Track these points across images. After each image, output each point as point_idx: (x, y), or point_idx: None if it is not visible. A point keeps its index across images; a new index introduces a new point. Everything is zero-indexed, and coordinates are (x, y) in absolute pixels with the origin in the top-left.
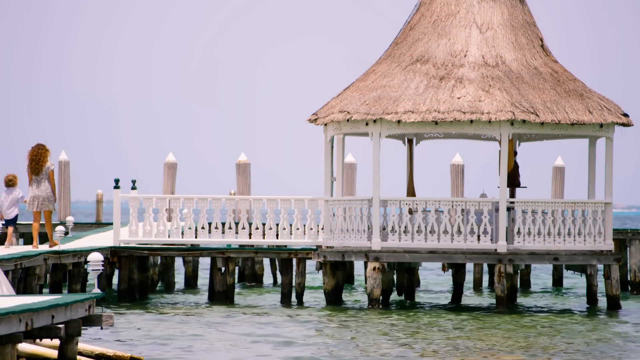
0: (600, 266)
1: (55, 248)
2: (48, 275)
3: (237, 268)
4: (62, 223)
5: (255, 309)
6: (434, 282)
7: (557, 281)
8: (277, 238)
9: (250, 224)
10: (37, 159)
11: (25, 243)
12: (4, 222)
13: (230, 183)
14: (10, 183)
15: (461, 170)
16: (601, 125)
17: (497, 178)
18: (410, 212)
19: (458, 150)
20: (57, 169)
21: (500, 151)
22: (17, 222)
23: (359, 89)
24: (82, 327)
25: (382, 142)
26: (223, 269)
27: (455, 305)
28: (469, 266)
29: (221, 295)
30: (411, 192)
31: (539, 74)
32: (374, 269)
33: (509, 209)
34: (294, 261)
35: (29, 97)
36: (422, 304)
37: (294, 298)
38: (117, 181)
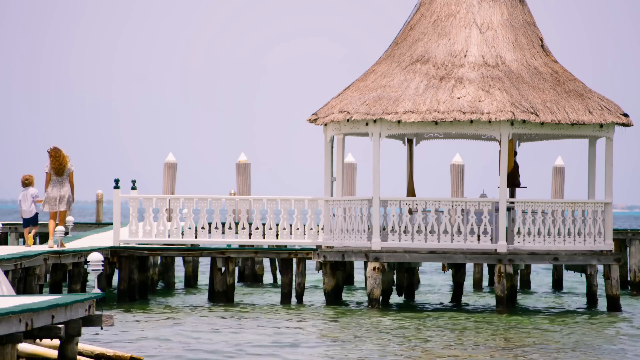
0: (600, 266)
1: (56, 248)
2: (48, 275)
3: (237, 268)
4: None
5: (255, 309)
6: (428, 283)
7: (557, 281)
8: (277, 238)
9: (250, 224)
10: (60, 160)
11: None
12: (22, 222)
13: (230, 183)
14: (27, 182)
15: (461, 170)
16: (601, 125)
17: (497, 178)
18: (410, 212)
19: (458, 150)
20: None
21: (500, 151)
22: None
23: (359, 89)
24: (82, 327)
25: (382, 142)
26: (223, 269)
27: (455, 306)
28: (469, 266)
29: (221, 295)
30: (411, 192)
31: (539, 74)
32: (374, 269)
33: (509, 209)
34: (294, 261)
35: (29, 97)
36: (421, 304)
37: (294, 298)
38: (117, 181)
